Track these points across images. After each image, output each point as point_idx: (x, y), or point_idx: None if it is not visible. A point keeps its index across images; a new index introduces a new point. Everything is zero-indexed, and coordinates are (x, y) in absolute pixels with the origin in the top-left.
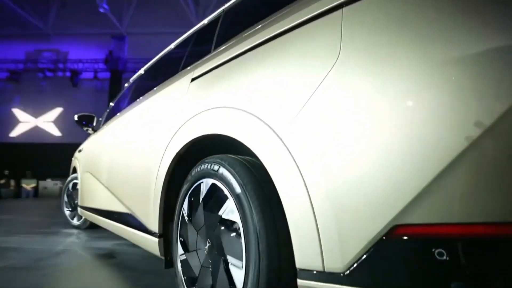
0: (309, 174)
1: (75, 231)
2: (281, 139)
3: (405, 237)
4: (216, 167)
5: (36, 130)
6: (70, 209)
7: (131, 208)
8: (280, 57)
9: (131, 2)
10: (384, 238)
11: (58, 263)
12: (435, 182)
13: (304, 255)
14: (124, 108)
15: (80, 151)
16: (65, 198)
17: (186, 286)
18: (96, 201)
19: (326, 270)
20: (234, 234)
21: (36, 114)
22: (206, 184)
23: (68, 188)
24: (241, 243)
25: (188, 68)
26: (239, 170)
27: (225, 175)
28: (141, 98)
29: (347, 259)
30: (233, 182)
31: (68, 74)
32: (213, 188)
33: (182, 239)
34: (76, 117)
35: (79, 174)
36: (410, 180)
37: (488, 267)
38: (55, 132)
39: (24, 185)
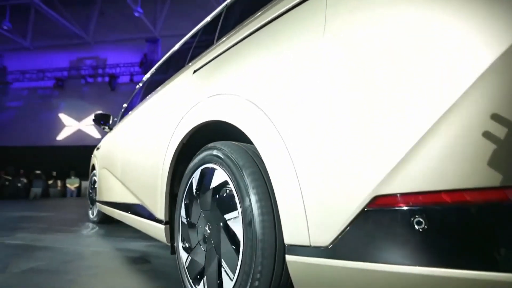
0: (295, 150)
1: (107, 230)
2: (268, 117)
3: (385, 208)
4: (215, 152)
5: (79, 133)
6: (90, 205)
7: (141, 199)
8: (269, 43)
9: (163, 6)
10: (365, 209)
11: (87, 267)
12: (413, 151)
13: (292, 230)
14: (135, 106)
15: (98, 149)
16: (88, 195)
17: (188, 272)
18: (112, 195)
19: (312, 244)
20: (233, 218)
21: (79, 118)
22: (206, 169)
23: (91, 186)
24: (240, 229)
25: (192, 61)
26: (237, 154)
27: (224, 159)
28: (149, 95)
29: (331, 232)
30: (231, 166)
31: (106, 79)
32: (213, 172)
33: (183, 226)
34: (93, 116)
35: (97, 170)
36: (388, 150)
37: (467, 235)
38: (96, 134)
39: (68, 185)
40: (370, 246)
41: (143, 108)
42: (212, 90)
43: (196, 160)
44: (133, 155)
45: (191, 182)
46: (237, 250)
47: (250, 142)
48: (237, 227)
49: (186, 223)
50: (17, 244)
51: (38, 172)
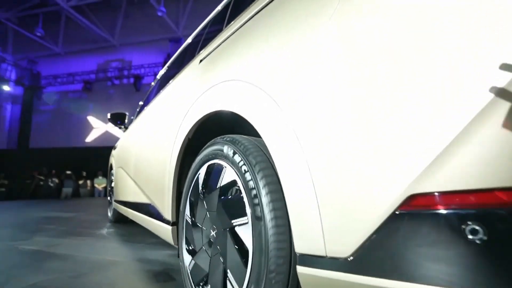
0: (308, 141)
1: (127, 234)
2: (278, 106)
3: (424, 210)
4: (222, 146)
5: (106, 134)
6: (109, 204)
7: (151, 198)
8: (270, 23)
9: (186, 6)
10: (397, 212)
11: (101, 283)
12: (463, 138)
13: (303, 236)
14: (148, 103)
15: (114, 148)
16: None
17: (191, 277)
18: (126, 194)
19: (328, 254)
20: (242, 225)
21: (105, 120)
22: (213, 166)
23: (110, 186)
24: (249, 238)
25: (199, 52)
26: (247, 150)
27: (231, 155)
28: (159, 91)
29: (352, 240)
30: (240, 164)
31: (131, 80)
32: (220, 170)
33: (188, 225)
34: (108, 115)
35: (113, 170)
36: (430, 136)
37: None
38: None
39: (96, 185)
40: (403, 260)
41: (153, 105)
42: (217, 77)
43: (202, 154)
44: (144, 153)
45: (197, 178)
46: (245, 261)
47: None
48: (246, 234)
49: (190, 223)
50: (31, 250)
51: (68, 172)
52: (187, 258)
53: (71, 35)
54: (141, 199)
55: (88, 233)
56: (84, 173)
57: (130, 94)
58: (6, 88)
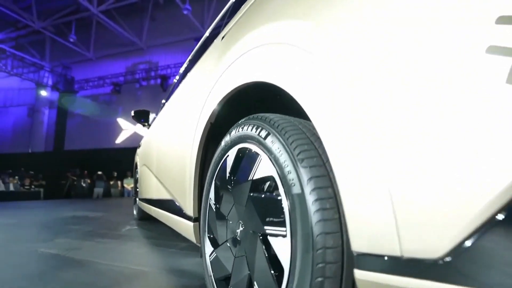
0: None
1: (157, 236)
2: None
3: None
4: (257, 130)
5: (134, 135)
6: (134, 203)
7: (173, 194)
8: None
9: (211, 4)
10: None
11: None
12: None
13: (364, 230)
14: (168, 99)
15: (139, 147)
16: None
17: (212, 269)
18: (149, 192)
19: (404, 255)
20: (278, 236)
21: (134, 122)
22: (244, 150)
23: (136, 185)
24: (286, 253)
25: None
26: (290, 137)
27: (269, 143)
28: (179, 84)
29: (446, 236)
30: (277, 152)
31: (159, 81)
32: (254, 158)
33: (211, 211)
34: (132, 113)
35: (138, 168)
36: None
37: None
38: None
39: (125, 185)
40: None
41: (173, 97)
42: (245, 44)
43: (232, 134)
44: (165, 146)
45: (225, 161)
46: (278, 281)
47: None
48: (281, 247)
49: (214, 209)
50: (49, 255)
51: (100, 173)
52: (208, 247)
53: (101, 40)
54: (163, 195)
55: (113, 235)
56: (115, 174)
57: (157, 94)
58: (43, 93)
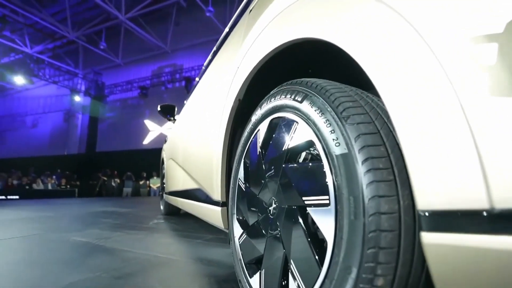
0: None
1: (184, 228)
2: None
3: None
4: (290, 95)
5: (161, 136)
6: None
7: (199, 181)
8: None
9: (232, 6)
10: None
11: (146, 284)
12: None
13: (437, 184)
14: (193, 90)
15: (165, 142)
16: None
17: (242, 251)
18: (176, 184)
19: (495, 206)
20: (319, 207)
21: (160, 123)
22: (278, 120)
23: (162, 180)
24: (330, 226)
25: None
26: (325, 88)
27: (307, 106)
28: (204, 73)
29: None
30: (316, 111)
31: (183, 83)
32: (289, 127)
33: (240, 190)
34: (158, 108)
35: (164, 163)
36: None
37: None
38: None
39: (151, 185)
40: None
41: (199, 85)
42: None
43: (263, 106)
44: (191, 134)
45: (255, 136)
46: (320, 258)
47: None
48: (323, 218)
49: (244, 189)
50: (81, 242)
51: (129, 173)
52: (237, 230)
53: (129, 46)
54: (190, 185)
55: (141, 227)
56: (144, 174)
57: (182, 96)
58: (77, 99)
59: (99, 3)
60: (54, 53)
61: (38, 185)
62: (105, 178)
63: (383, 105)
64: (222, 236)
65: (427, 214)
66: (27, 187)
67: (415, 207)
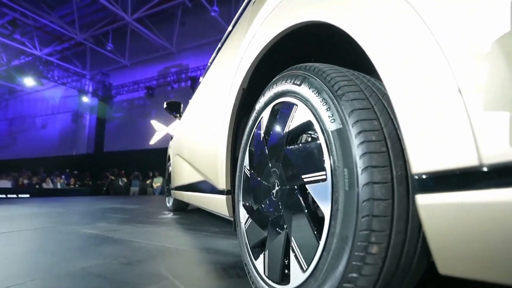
0: None
1: (190, 222)
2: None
3: None
4: (290, 80)
5: (167, 136)
6: (167, 194)
7: (205, 173)
8: None
9: (238, 6)
10: None
11: (154, 276)
12: None
13: (429, 146)
14: (197, 87)
15: (171, 139)
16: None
17: (247, 237)
18: (182, 178)
19: (484, 162)
20: (316, 182)
21: (167, 123)
22: (279, 106)
23: (168, 177)
24: (326, 201)
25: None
26: (322, 70)
27: (305, 89)
28: (209, 68)
29: None
30: (314, 94)
31: (189, 83)
32: (289, 110)
33: (246, 177)
34: (165, 105)
35: (171, 160)
36: None
37: None
38: None
39: (153, 185)
40: None
41: (204, 80)
42: None
43: (266, 94)
44: (196, 128)
45: (259, 124)
46: (318, 232)
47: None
48: (321, 193)
49: (249, 176)
50: (90, 234)
51: (136, 173)
52: (243, 215)
53: (136, 47)
54: (196, 178)
55: (148, 221)
56: (151, 174)
57: (188, 95)
58: (85, 100)
59: (106, 4)
60: (62, 55)
61: (48, 185)
62: (113, 178)
63: (379, 84)
64: (228, 229)
65: (421, 176)
66: (37, 186)
67: (410, 173)
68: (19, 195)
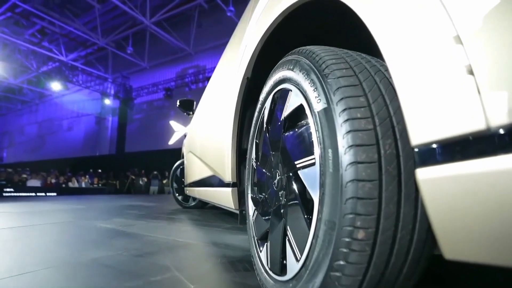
0: None
1: (203, 220)
2: None
3: None
4: (286, 66)
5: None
6: (177, 193)
7: (213, 167)
8: None
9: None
10: None
11: (162, 268)
12: None
13: (427, 108)
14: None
15: (185, 137)
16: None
17: (255, 229)
18: (194, 174)
19: (491, 125)
20: (307, 167)
21: (185, 123)
22: (278, 93)
23: (176, 175)
24: (316, 187)
25: None
26: (312, 51)
27: (297, 72)
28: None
29: None
30: (304, 74)
31: (206, 83)
32: (286, 96)
33: (253, 171)
34: (178, 103)
35: (184, 156)
36: None
37: None
38: None
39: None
40: None
41: (213, 75)
42: None
43: (268, 83)
44: (205, 123)
45: (263, 115)
46: (308, 219)
47: None
48: (311, 181)
49: (256, 168)
50: (106, 228)
51: (155, 172)
52: (251, 208)
53: (154, 50)
54: (206, 173)
55: (163, 218)
56: (167, 173)
57: None
58: (107, 102)
59: (126, 9)
60: (86, 60)
61: (74, 184)
62: (134, 177)
63: (376, 62)
64: (241, 226)
65: (422, 148)
66: (63, 185)
67: (401, 151)
68: (47, 194)
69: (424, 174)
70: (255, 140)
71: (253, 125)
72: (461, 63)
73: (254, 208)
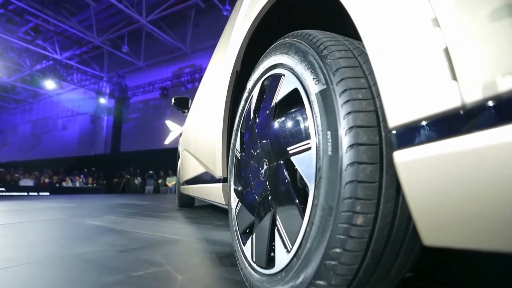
0: None
1: (195, 218)
2: None
3: None
4: (277, 51)
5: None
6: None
7: (206, 164)
8: None
9: None
10: None
11: (146, 263)
12: None
13: (402, 88)
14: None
15: (180, 135)
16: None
17: (238, 222)
18: (189, 172)
19: (466, 100)
20: (301, 153)
21: (181, 123)
22: (268, 79)
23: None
24: (311, 173)
25: None
26: (309, 33)
27: (290, 56)
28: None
29: None
30: (299, 57)
31: None
32: (277, 81)
33: (237, 161)
34: (173, 100)
35: (180, 154)
36: None
37: None
38: None
39: (167, 183)
40: None
41: (205, 73)
42: None
43: (256, 71)
44: (197, 120)
45: (250, 103)
46: (303, 207)
47: None
48: (306, 166)
49: (240, 158)
50: (95, 226)
51: (150, 172)
52: (234, 201)
53: (150, 49)
54: (199, 170)
55: (155, 216)
56: (162, 173)
57: None
58: (103, 101)
59: (122, 8)
60: (81, 58)
61: (68, 183)
62: (129, 177)
63: None
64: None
65: (400, 129)
66: (57, 185)
67: (384, 132)
68: (40, 193)
69: (401, 157)
70: (239, 130)
71: (238, 114)
72: (436, 42)
73: (237, 200)
